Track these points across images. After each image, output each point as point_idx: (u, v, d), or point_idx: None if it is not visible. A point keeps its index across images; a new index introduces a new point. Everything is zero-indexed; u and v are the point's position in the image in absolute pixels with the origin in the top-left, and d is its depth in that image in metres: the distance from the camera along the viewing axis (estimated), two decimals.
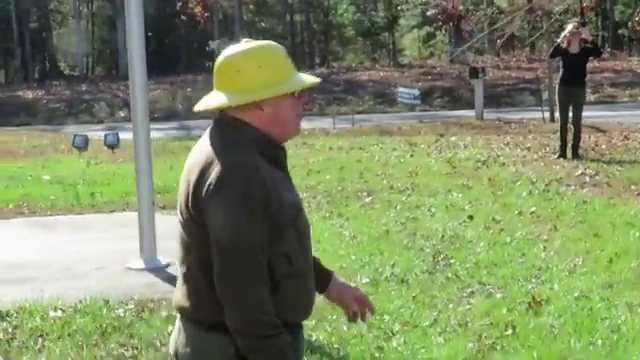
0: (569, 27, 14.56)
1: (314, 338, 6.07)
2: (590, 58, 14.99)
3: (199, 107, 3.08)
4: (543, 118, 20.74)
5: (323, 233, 9.27)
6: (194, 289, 3.00)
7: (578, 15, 41.32)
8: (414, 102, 26.35)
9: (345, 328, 6.13)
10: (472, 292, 7.12)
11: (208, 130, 3.06)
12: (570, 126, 14.26)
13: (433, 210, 10.38)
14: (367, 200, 11.16)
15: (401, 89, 27.06)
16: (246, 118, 2.98)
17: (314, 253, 3.22)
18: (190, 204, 2.93)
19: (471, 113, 23.24)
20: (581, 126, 14.34)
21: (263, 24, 48.81)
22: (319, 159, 15.23)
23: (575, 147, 14.21)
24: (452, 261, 8.04)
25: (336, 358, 5.89)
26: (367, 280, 7.52)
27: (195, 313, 3.01)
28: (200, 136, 3.09)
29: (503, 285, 7.23)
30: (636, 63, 36.47)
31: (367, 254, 8.38)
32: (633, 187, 11.50)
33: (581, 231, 9.11)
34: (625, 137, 16.63)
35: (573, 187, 11.58)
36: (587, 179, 12.17)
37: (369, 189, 11.93)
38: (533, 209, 10.21)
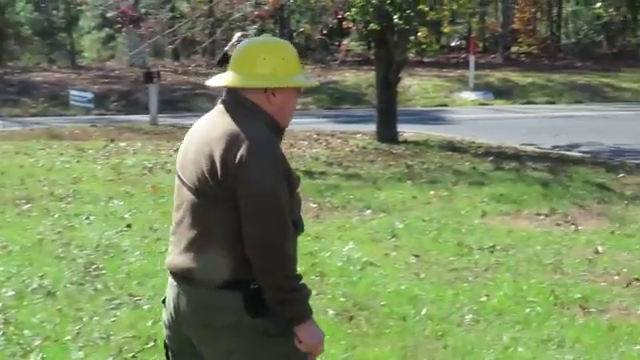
0: (236, 36, 14.79)
1: None
2: None
3: (218, 82, 3.40)
4: None
5: None
6: (209, 251, 3.25)
7: (257, 22, 42.22)
8: (87, 105, 25.77)
9: None
10: (120, 304, 7.00)
11: (218, 110, 3.38)
12: None
13: (92, 218, 10.16)
14: (25, 208, 10.76)
15: (73, 92, 26.38)
16: (258, 101, 3.33)
17: None
18: (219, 173, 3.19)
19: (146, 118, 23.07)
20: None
21: None
22: None
23: None
24: (104, 272, 7.88)
25: None
26: (12, 293, 7.23)
27: (206, 274, 3.26)
28: None
29: (152, 296, 7.15)
30: (310, 71, 37.72)
31: (16, 265, 8.06)
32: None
33: None
34: (292, 145, 17.08)
35: None
36: None
37: (29, 196, 11.46)
38: None
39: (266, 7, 23.99)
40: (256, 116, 3.31)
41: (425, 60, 39.43)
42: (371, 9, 16.41)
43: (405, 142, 17.49)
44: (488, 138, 18.36)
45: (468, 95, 29.83)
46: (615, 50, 43.48)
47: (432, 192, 11.94)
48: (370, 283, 7.59)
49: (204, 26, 27.31)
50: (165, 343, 3.55)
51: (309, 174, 13.43)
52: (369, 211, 10.74)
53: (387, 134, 17.56)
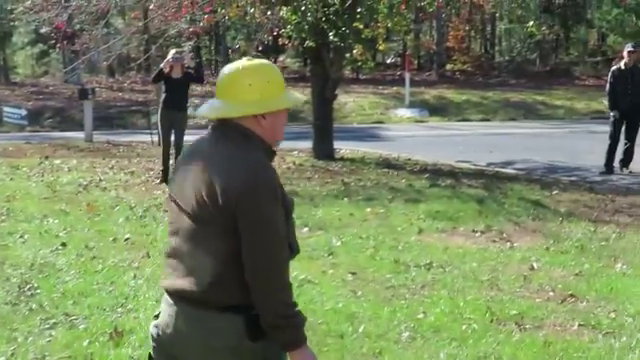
0: (171, 53, 14.78)
1: None
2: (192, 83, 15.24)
3: (210, 114, 3.48)
4: (152, 141, 20.79)
5: None
6: (210, 275, 3.30)
7: (192, 39, 42.09)
8: (21, 122, 25.53)
9: None
10: (55, 323, 6.93)
11: (211, 136, 3.45)
12: (172, 150, 14.46)
13: (26, 237, 10.05)
14: None
15: (6, 109, 26.12)
16: (250, 126, 3.41)
17: None
18: (220, 201, 3.24)
19: (82, 135, 22.87)
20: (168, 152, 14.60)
21: None
22: None
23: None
24: (38, 291, 7.80)
25: None
26: None
27: (207, 297, 3.31)
28: None
29: (88, 315, 7.11)
30: None
31: None
32: None
33: None
34: None
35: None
36: None
37: None
38: (128, 235, 10.18)
39: (201, 24, 23.94)
40: (250, 141, 3.39)
41: (361, 77, 39.70)
42: (306, 26, 16.46)
43: (342, 159, 17.56)
44: (424, 155, 18.51)
45: (404, 112, 30.06)
46: (548, 68, 44.12)
47: (369, 209, 11.99)
48: (308, 301, 7.58)
49: (139, 42, 27.14)
50: (150, 355, 3.59)
51: None
52: (306, 229, 10.74)
53: (324, 151, 17.62)
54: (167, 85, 14.47)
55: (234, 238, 3.27)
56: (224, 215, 3.26)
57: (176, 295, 3.42)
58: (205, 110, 3.52)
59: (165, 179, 14.25)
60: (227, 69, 3.49)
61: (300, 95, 3.79)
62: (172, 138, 14.53)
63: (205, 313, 3.33)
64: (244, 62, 3.49)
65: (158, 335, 3.50)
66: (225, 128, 3.42)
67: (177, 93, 14.39)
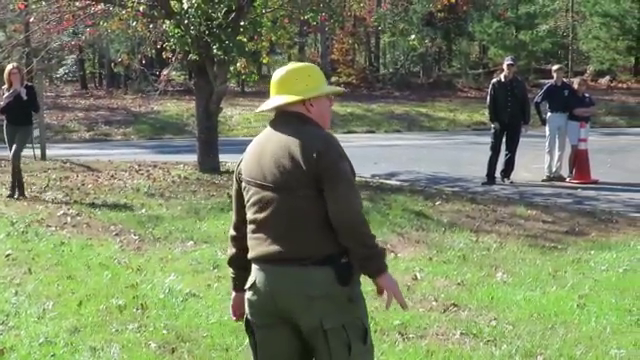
0: (8, 67, 14.42)
1: None
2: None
3: (269, 106, 4.28)
4: (34, 155, 20.38)
5: None
6: (300, 235, 4.05)
7: (75, 52, 41.33)
8: None
9: None
10: None
11: (273, 126, 4.26)
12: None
13: None
14: None
15: None
16: (303, 111, 4.24)
17: None
18: (304, 166, 4.02)
19: None
20: (17, 166, 14.18)
21: None
22: None
23: (20, 185, 14.16)
24: None
25: None
26: None
27: (300, 254, 4.05)
28: None
29: None
30: (131, 101, 37.35)
31: None
32: (112, 227, 11.66)
33: (56, 273, 9.04)
34: (112, 176, 16.85)
35: (53, 228, 11.49)
36: (69, 219, 12.15)
37: None
38: (9, 252, 9.96)
39: (84, 37, 23.61)
40: (307, 121, 4.21)
41: (247, 90, 39.69)
42: (190, 40, 16.36)
43: (227, 172, 17.48)
44: None
45: None
46: (431, 80, 44.82)
47: None
48: (193, 315, 7.54)
49: (20, 56, 26.59)
50: (247, 320, 4.32)
51: (129, 207, 13.26)
52: (191, 242, 10.69)
53: (209, 164, 17.52)
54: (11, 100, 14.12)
55: (317, 200, 4.04)
56: (309, 177, 4.03)
57: (271, 259, 4.12)
58: (265, 106, 4.32)
59: (14, 193, 13.94)
60: (279, 71, 4.34)
61: (338, 88, 4.67)
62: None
63: (302, 268, 4.05)
64: (290, 65, 4.39)
65: (257, 299, 4.19)
66: (283, 116, 4.26)
67: (17, 108, 14.07)
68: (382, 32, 45.03)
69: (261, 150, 4.22)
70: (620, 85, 40.31)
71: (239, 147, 20.15)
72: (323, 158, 4.03)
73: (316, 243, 4.05)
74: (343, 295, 4.08)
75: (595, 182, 16.49)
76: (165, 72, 21.40)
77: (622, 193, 15.48)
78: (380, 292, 4.20)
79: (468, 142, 24.55)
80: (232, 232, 4.45)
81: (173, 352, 6.62)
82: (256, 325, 4.27)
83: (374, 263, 4.10)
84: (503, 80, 16.35)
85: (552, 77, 17.39)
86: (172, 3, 16.77)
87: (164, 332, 7.07)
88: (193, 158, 18.12)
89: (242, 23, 16.75)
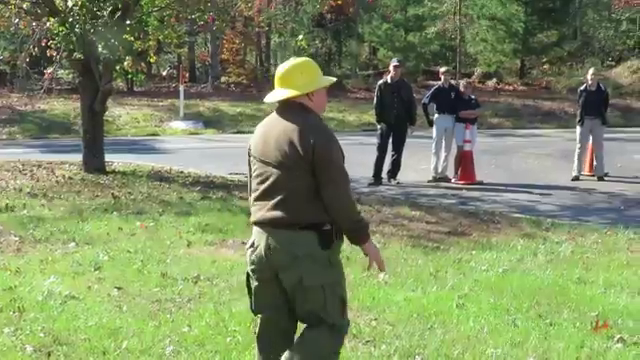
0: None
1: None
2: None
3: (276, 99, 5.07)
4: None
5: None
6: (293, 204, 4.88)
7: None
8: None
9: None
10: None
11: (278, 113, 5.06)
12: None
13: None
14: None
15: None
16: (304, 102, 5.03)
17: None
18: (301, 152, 4.82)
19: None
20: None
21: None
22: None
23: None
24: None
25: None
26: None
27: (292, 220, 4.88)
28: None
29: None
30: (16, 100, 36.53)
31: None
32: None
33: None
34: None
35: None
36: None
37: None
38: None
39: None
40: (308, 111, 5.02)
41: (136, 90, 39.23)
42: (74, 38, 16.07)
43: (113, 172, 17.29)
44: (197, 167, 18.50)
45: (178, 124, 29.94)
46: None
47: (138, 223, 11.86)
48: (71, 317, 7.42)
49: None
50: (247, 273, 5.18)
51: (10, 208, 12.98)
52: (73, 243, 10.52)
53: (94, 164, 17.26)
54: None
55: (311, 177, 4.85)
56: (305, 161, 4.83)
57: (268, 223, 4.95)
58: (271, 97, 5.10)
59: None
60: (283, 66, 5.11)
61: (331, 78, 5.25)
62: None
63: (291, 232, 4.88)
64: (292, 60, 5.12)
65: (255, 255, 5.04)
66: (287, 106, 5.03)
67: None
68: (271, 32, 45.07)
69: (267, 132, 5.03)
70: (507, 87, 41.00)
71: (127, 147, 20.11)
72: (318, 147, 4.82)
73: (305, 212, 4.88)
74: (324, 257, 4.92)
75: (480, 183, 16.82)
76: (49, 70, 20.95)
77: (506, 194, 15.83)
78: (366, 254, 5.16)
79: (357, 143, 24.63)
80: (250, 198, 5.21)
81: (49, 356, 6.50)
82: (253, 277, 5.12)
83: (360, 234, 5.03)
84: (389, 82, 16.53)
85: (440, 79, 17.67)
86: (56, 1, 16.48)
87: (41, 335, 6.93)
88: (79, 158, 17.81)
89: (128, 22, 16.54)
